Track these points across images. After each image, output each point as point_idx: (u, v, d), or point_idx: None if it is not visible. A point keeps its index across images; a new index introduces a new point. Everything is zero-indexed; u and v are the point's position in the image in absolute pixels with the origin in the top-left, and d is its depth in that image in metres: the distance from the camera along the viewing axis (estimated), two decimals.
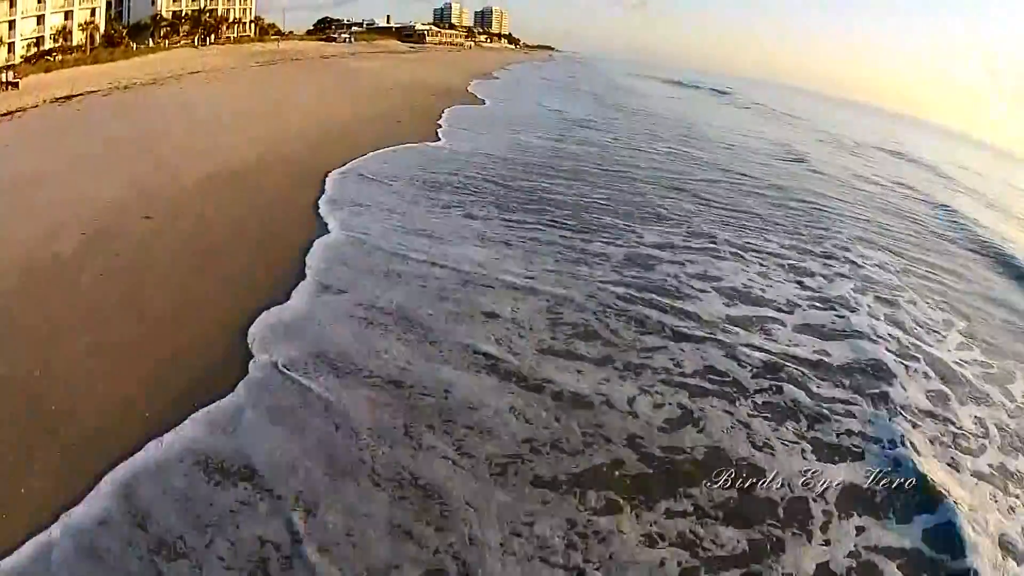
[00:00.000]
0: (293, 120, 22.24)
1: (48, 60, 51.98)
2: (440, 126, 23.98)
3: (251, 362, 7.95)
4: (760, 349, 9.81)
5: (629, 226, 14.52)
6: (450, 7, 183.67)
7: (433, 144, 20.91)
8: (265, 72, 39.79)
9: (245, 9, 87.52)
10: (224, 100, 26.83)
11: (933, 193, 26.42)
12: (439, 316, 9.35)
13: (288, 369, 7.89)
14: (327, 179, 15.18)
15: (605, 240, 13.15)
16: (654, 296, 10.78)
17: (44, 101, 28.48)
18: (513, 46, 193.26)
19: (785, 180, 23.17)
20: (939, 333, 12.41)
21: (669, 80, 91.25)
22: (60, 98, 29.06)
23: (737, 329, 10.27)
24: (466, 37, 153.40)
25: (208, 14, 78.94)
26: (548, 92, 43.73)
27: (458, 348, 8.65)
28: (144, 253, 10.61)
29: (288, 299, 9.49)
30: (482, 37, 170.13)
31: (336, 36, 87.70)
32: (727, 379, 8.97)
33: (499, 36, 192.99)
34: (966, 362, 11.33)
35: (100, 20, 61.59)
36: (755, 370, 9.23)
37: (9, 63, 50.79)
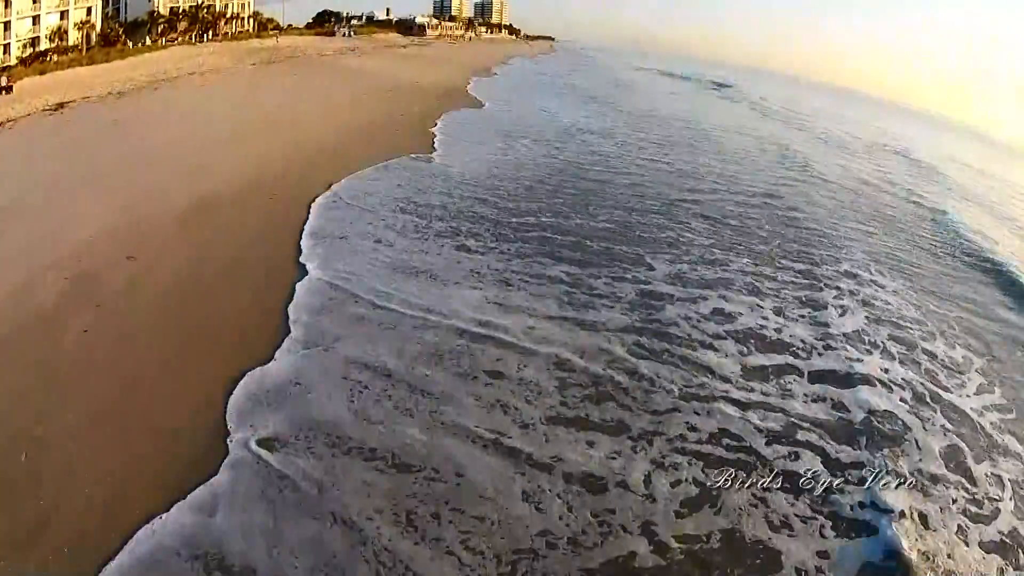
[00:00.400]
0: (286, 132, 21.58)
1: (44, 62, 51.43)
2: (436, 136, 23.11)
3: (233, 439, 7.49)
4: (776, 409, 9.33)
5: (638, 255, 13.90)
6: None
7: (428, 158, 20.09)
8: (261, 73, 39.06)
9: (243, 4, 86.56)
10: (217, 109, 26.21)
11: (940, 202, 25.68)
12: (437, 378, 8.84)
13: (275, 446, 7.44)
14: (313, 206, 14.50)
15: (612, 275, 12.54)
16: (667, 347, 10.27)
17: (36, 110, 27.92)
18: (513, 36, 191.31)
19: (791, 192, 22.49)
20: (957, 374, 11.93)
21: (669, 73, 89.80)
22: (52, 107, 28.51)
23: (753, 384, 9.79)
24: (466, 28, 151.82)
25: (206, 10, 78.07)
26: (547, 92, 42.76)
27: (460, 417, 8.17)
28: (127, 302, 10.14)
29: (271, 358, 9.01)
30: (482, 29, 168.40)
31: (335, 30, 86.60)
32: (744, 445, 8.51)
33: (499, 27, 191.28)
34: (985, 409, 10.87)
35: (96, 19, 60.84)
36: (771, 435, 8.77)
37: (4, 64, 50.28)
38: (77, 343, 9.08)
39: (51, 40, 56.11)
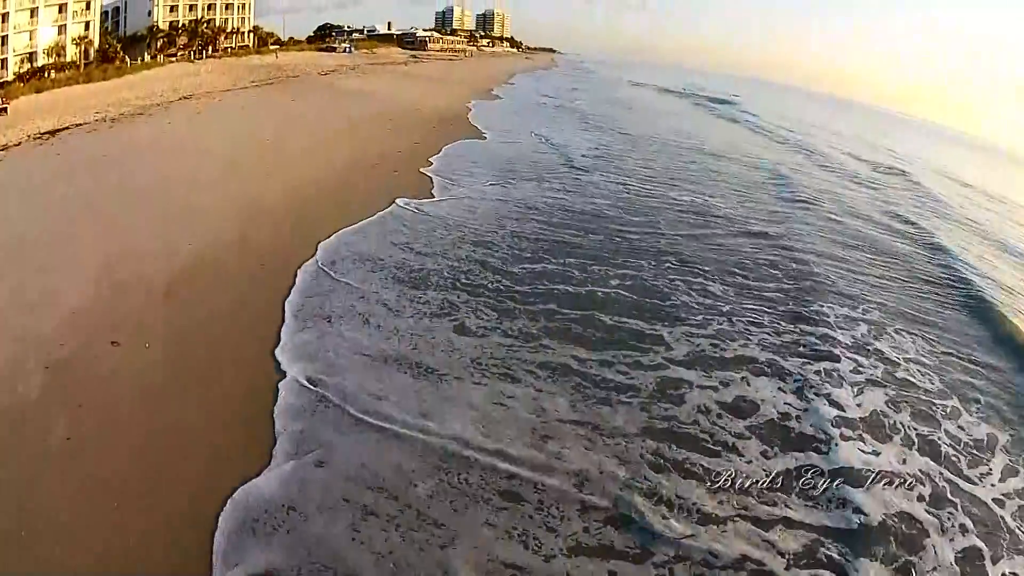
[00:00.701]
0: (279, 169, 20.94)
1: (41, 78, 50.97)
2: (434, 179, 22.15)
3: None
4: (797, 525, 8.74)
5: (653, 329, 13.16)
6: (452, 10, 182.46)
7: (426, 205, 19.24)
8: (258, 97, 38.49)
9: (243, 19, 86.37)
10: (209, 140, 25.57)
11: (948, 241, 24.95)
12: (442, 503, 8.16)
13: None
14: (300, 272, 13.67)
15: (628, 361, 11.80)
16: (688, 455, 9.61)
17: (27, 137, 27.41)
18: (515, 49, 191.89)
19: (800, 236, 21.77)
20: (981, 458, 11.34)
21: (668, 90, 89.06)
22: (44, 134, 27.99)
23: (776, 496, 9.17)
24: (468, 41, 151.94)
25: (205, 24, 77.82)
26: (550, 118, 41.97)
27: (472, 548, 7.53)
28: (108, 400, 9.46)
29: (260, 472, 8.35)
30: (484, 42, 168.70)
31: (336, 45, 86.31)
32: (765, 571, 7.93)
33: (501, 39, 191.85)
34: (1007, 497, 10.31)
35: (94, 34, 60.51)
36: (792, 558, 8.18)
37: (2, 80, 49.75)
38: (59, 454, 8.43)
39: (49, 55, 55.79)
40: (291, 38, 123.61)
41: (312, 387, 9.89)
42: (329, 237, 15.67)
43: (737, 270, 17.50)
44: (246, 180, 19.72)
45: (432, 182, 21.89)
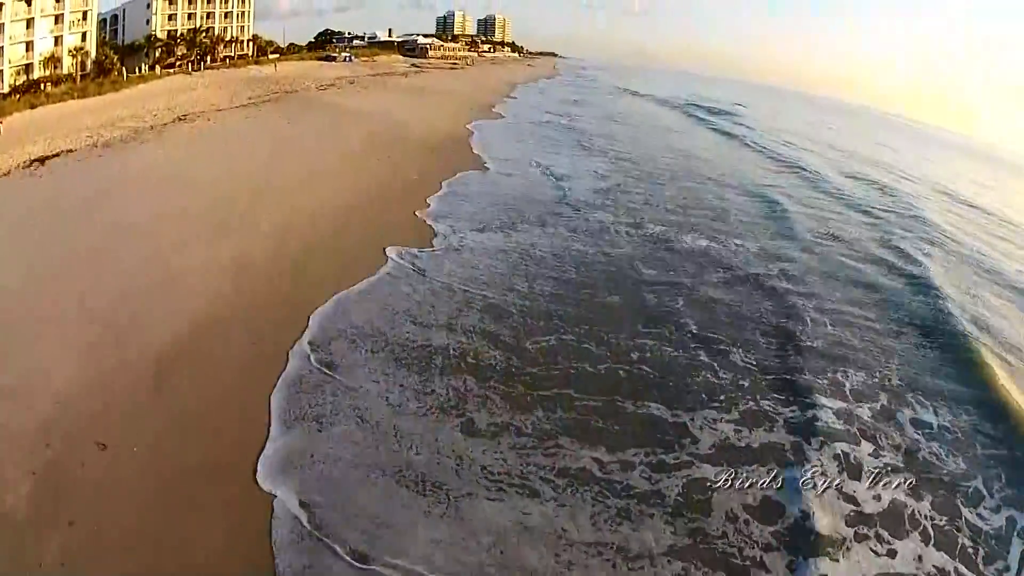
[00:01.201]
0: (272, 216, 19.83)
1: (36, 92, 50.09)
2: (435, 226, 20.95)
3: None
4: None
5: (676, 417, 12.12)
6: (453, 15, 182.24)
7: (426, 259, 17.99)
8: (253, 119, 37.53)
9: (243, 27, 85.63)
10: (200, 172, 24.50)
11: (956, 290, 23.31)
12: None
13: None
14: (290, 357, 12.43)
15: (651, 462, 10.84)
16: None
17: (17, 165, 26.54)
18: (516, 54, 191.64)
19: (814, 291, 20.30)
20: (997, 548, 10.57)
21: (674, 105, 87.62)
22: (34, 161, 27.10)
23: None
24: (468, 47, 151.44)
25: (204, 33, 77.07)
26: (553, 143, 40.33)
27: None
28: (100, 515, 8.63)
29: None
30: (485, 47, 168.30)
31: (335, 55, 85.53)
32: None
33: (502, 44, 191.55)
34: None
35: (91, 45, 59.72)
36: None
37: None
38: None
39: (45, 67, 54.94)
40: (292, 44, 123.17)
41: (305, 522, 8.90)
42: (323, 304, 14.57)
43: (757, 336, 16.39)
44: (236, 229, 18.64)
45: (433, 230, 20.54)
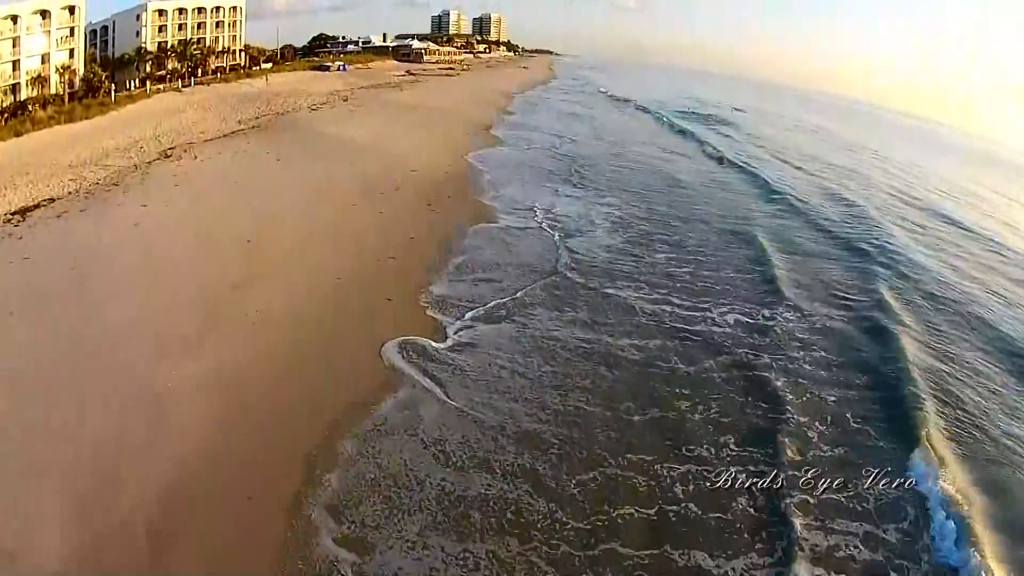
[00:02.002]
0: (258, 303, 18.75)
1: (22, 116, 49.25)
2: (441, 319, 19.15)
3: None
4: None
5: (732, 569, 11.27)
6: (448, 15, 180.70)
7: (436, 366, 16.54)
8: (242, 156, 36.67)
9: (234, 36, 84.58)
10: (183, 236, 23.43)
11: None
12: None
13: None
14: (299, 528, 11.16)
15: None
16: None
17: None
18: (512, 53, 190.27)
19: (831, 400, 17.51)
20: None
21: (673, 123, 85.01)
22: (13, 214, 26.46)
23: None
24: (464, 49, 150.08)
25: (195, 44, 76.06)
26: (556, 179, 38.37)
27: None
28: None
29: None
30: (481, 48, 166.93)
31: (329, 64, 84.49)
32: None
33: (497, 44, 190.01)
34: None
35: (79, 62, 58.82)
36: None
37: None
38: None
39: (32, 86, 54.06)
40: (286, 46, 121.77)
41: None
42: (327, 441, 13.26)
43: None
44: (222, 322, 17.52)
45: (439, 323, 18.83)
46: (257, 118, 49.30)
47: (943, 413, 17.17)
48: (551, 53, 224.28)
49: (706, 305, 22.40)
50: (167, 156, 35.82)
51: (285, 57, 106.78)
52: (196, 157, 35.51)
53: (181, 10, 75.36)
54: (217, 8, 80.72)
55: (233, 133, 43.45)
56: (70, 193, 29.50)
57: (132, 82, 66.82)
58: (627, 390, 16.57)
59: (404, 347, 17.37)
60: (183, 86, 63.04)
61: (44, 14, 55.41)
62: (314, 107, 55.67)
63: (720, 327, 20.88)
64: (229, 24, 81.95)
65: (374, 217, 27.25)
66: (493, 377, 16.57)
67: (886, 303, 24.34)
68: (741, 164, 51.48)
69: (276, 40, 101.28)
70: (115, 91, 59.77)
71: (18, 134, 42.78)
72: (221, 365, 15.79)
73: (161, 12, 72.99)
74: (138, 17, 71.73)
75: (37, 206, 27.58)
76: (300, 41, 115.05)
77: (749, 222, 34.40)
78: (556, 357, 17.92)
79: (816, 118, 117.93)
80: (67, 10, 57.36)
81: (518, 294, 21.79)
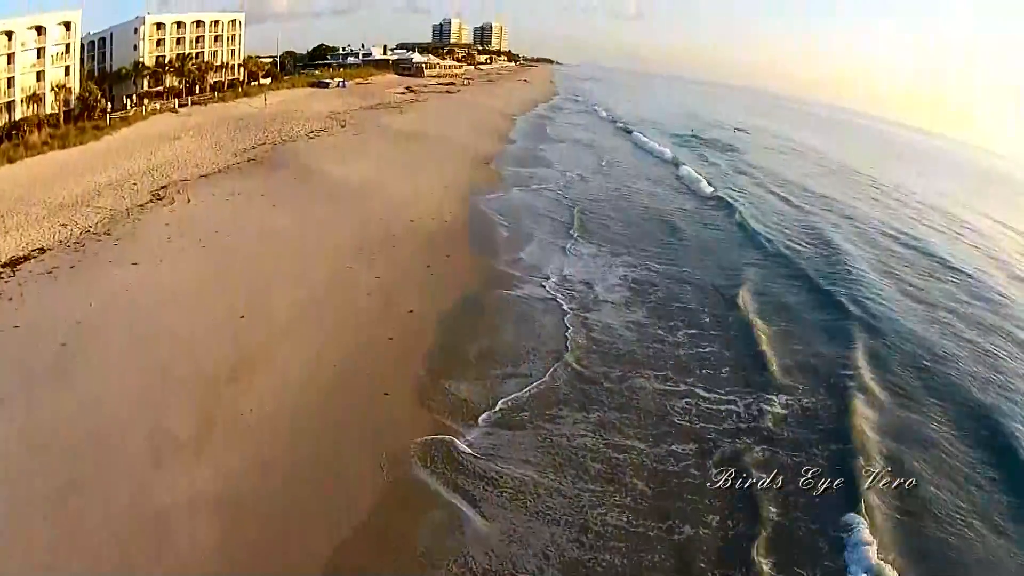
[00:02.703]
0: (250, 400, 18.04)
1: (15, 140, 48.48)
2: (457, 443, 17.46)
3: None
4: None
5: None
6: (449, 23, 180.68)
7: (460, 504, 15.26)
8: (239, 197, 36.09)
9: (233, 50, 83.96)
10: (178, 308, 23.02)
11: None
12: None
13: None
14: None
15: None
16: None
17: None
18: (513, 63, 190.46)
19: None
20: None
21: (674, 137, 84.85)
22: (4, 266, 25.94)
23: None
24: (465, 60, 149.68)
25: (193, 60, 75.40)
26: (560, 233, 36.50)
27: None
28: None
29: None
30: (482, 58, 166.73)
31: (328, 81, 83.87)
32: None
33: (498, 53, 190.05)
34: None
35: (74, 80, 58.10)
36: None
37: None
38: None
39: (27, 105, 53.28)
40: (287, 54, 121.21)
41: None
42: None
43: None
44: (218, 426, 16.95)
45: (448, 427, 17.75)
46: (253, 148, 48.72)
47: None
48: (551, 62, 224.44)
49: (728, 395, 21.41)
50: (159, 198, 35.21)
51: (284, 67, 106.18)
52: (189, 200, 34.91)
53: (179, 24, 74.70)
54: (216, 22, 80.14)
55: (228, 168, 42.85)
56: (60, 242, 28.91)
57: (129, 98, 66.06)
58: (668, 506, 15.95)
59: (410, 458, 16.60)
60: (180, 105, 62.35)
61: (40, 30, 54.65)
62: (311, 134, 55.09)
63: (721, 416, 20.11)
64: (228, 38, 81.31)
65: (371, 282, 26.63)
66: (529, 496, 15.77)
67: None
68: (740, 211, 47.78)
69: (276, 46, 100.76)
70: (111, 108, 59.08)
71: (11, 160, 42.08)
72: (218, 476, 15.30)
73: (159, 26, 72.32)
74: (136, 31, 70.97)
75: (27, 258, 27.02)
76: (301, 46, 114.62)
77: (737, 283, 32.25)
78: (588, 470, 16.96)
79: (816, 140, 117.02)
80: (63, 26, 56.62)
81: (535, 388, 20.41)
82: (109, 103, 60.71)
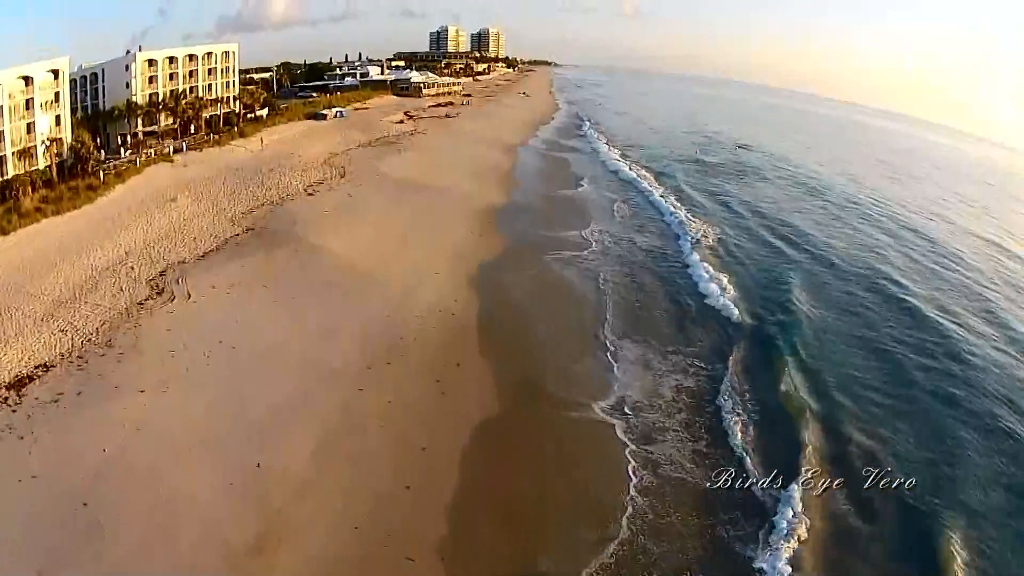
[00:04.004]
0: (277, 568, 17.90)
1: (8, 204, 47.31)
2: None
3: None
4: None
5: None
6: (446, 31, 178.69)
7: None
8: (237, 290, 35.08)
9: (228, 83, 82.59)
10: (186, 459, 21.77)
11: None
12: None
13: None
14: None
15: None
16: None
17: None
18: (511, 70, 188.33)
19: None
20: None
21: (680, 167, 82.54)
22: (8, 388, 25.57)
23: None
24: (462, 72, 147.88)
25: (187, 97, 74.21)
26: (584, 338, 33.27)
27: None
28: None
29: None
30: (481, 67, 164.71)
31: (325, 113, 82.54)
32: None
33: (496, 60, 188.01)
34: None
35: (65, 129, 56.86)
36: None
37: None
38: None
39: (19, 160, 52.08)
40: (283, 64, 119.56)
41: None
42: None
43: None
44: None
45: None
46: (252, 211, 47.80)
47: None
48: (549, 64, 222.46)
49: None
50: (159, 292, 34.34)
51: (281, 85, 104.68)
52: (189, 296, 34.06)
53: (172, 59, 73.36)
54: (209, 54, 78.78)
55: (227, 242, 41.98)
56: (62, 355, 28.21)
57: (122, 139, 64.86)
58: None
59: None
60: (175, 151, 61.08)
61: (27, 80, 53.39)
62: (309, 189, 54.08)
63: None
64: (222, 70, 79.97)
65: (382, 407, 25.88)
66: None
67: None
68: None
69: (273, 60, 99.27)
70: (105, 155, 57.94)
71: (3, 232, 41.08)
72: None
73: (151, 62, 71.01)
74: (127, 68, 69.62)
75: (32, 377, 26.37)
76: (298, 55, 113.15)
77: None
78: None
79: (818, 154, 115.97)
80: (51, 74, 55.36)
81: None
82: (102, 151, 59.55)
